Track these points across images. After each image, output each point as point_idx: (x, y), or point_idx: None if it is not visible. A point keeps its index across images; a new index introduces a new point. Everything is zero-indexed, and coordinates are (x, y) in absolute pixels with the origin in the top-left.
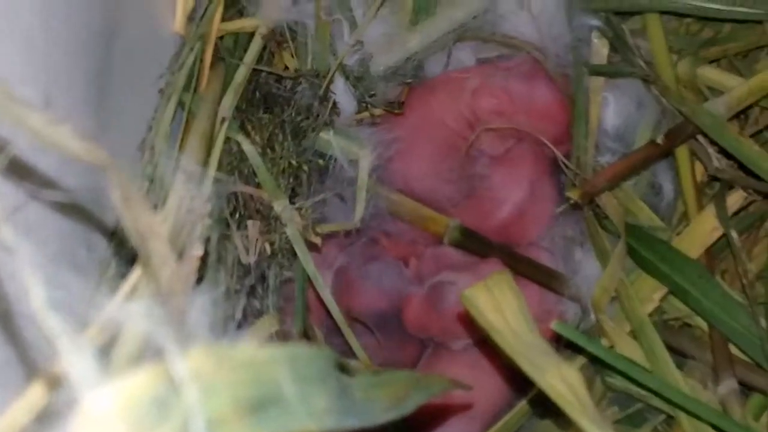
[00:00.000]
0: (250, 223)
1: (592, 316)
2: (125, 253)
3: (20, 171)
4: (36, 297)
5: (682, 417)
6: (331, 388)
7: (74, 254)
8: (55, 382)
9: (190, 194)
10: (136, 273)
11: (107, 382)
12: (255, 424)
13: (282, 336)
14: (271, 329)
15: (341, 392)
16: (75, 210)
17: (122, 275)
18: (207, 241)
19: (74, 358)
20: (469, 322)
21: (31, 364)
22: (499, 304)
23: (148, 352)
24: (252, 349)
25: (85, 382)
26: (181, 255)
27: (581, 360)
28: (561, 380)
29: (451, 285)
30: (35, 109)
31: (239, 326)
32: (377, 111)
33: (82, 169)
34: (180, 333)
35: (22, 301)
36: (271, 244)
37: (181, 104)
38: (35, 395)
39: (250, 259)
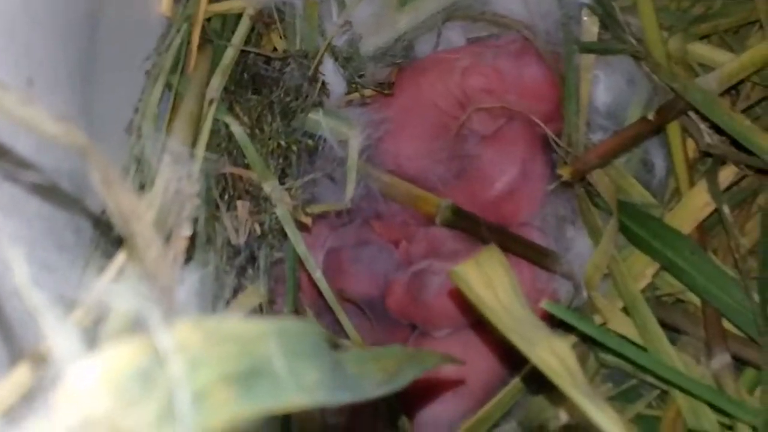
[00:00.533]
0: (239, 203)
1: (585, 294)
2: (112, 236)
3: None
4: (19, 272)
5: (676, 392)
6: (321, 363)
7: (61, 237)
8: (40, 362)
9: (177, 174)
10: (121, 256)
11: (91, 356)
12: (243, 398)
13: (272, 316)
14: (256, 301)
15: (332, 367)
16: (59, 192)
17: (110, 257)
18: (195, 221)
19: (57, 332)
20: (454, 307)
21: (15, 342)
22: (489, 279)
23: (136, 331)
24: (240, 323)
25: (68, 355)
26: (169, 236)
27: (574, 338)
28: (552, 353)
29: (433, 275)
30: (10, 90)
31: (228, 306)
32: (367, 92)
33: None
34: (168, 311)
35: (4, 280)
36: (261, 224)
37: (168, 86)
38: (21, 376)
39: (240, 239)
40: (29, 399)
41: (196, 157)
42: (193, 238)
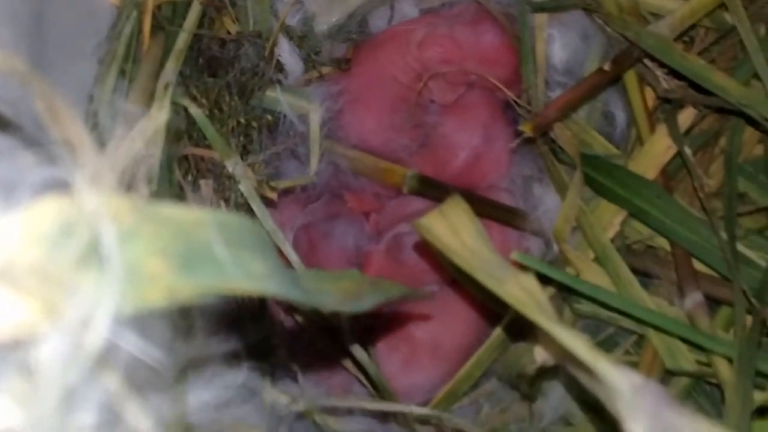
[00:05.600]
0: (203, 183)
1: (556, 248)
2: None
3: None
4: None
5: (652, 334)
6: (267, 257)
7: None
8: None
9: (132, 135)
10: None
11: (12, 212)
12: (180, 273)
13: None
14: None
15: (280, 264)
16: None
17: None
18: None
19: None
20: (433, 264)
21: None
22: (455, 228)
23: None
24: (176, 209)
25: None
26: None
27: (549, 291)
28: (520, 288)
29: (409, 234)
30: None
31: None
32: (325, 69)
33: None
34: None
35: None
36: (226, 201)
37: (122, 73)
38: None
39: None
40: None
41: (152, 119)
42: None
